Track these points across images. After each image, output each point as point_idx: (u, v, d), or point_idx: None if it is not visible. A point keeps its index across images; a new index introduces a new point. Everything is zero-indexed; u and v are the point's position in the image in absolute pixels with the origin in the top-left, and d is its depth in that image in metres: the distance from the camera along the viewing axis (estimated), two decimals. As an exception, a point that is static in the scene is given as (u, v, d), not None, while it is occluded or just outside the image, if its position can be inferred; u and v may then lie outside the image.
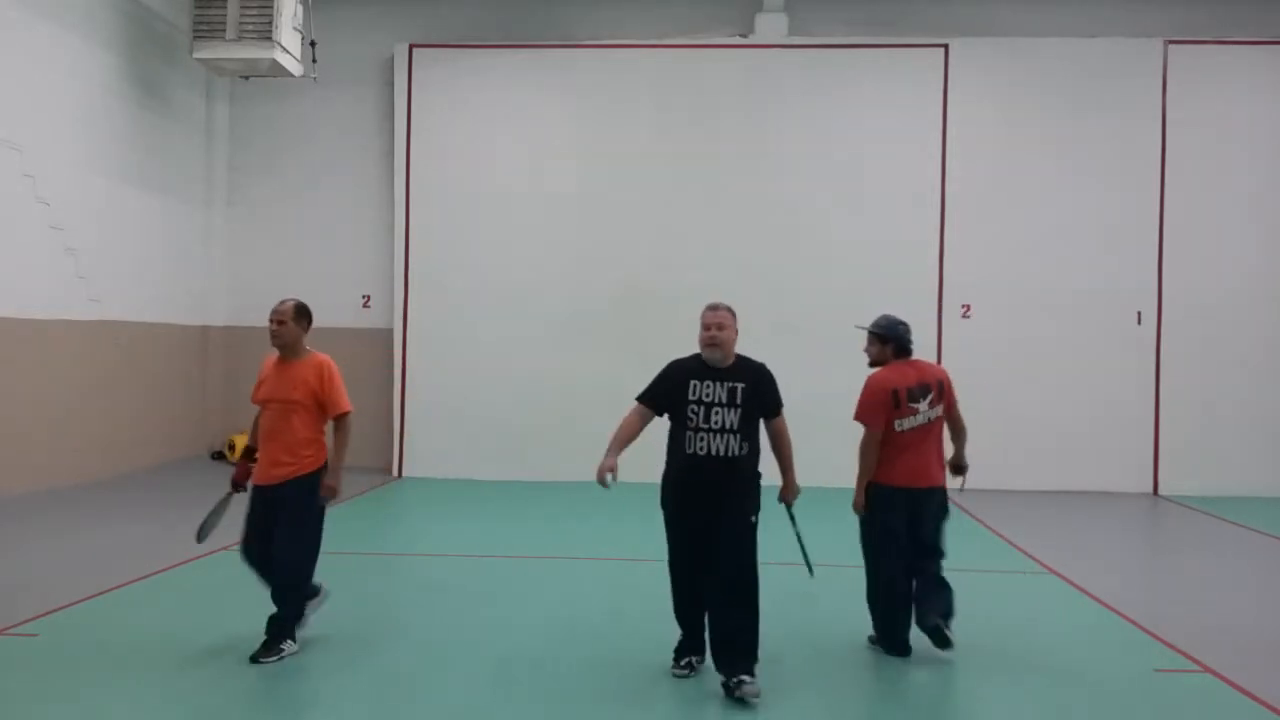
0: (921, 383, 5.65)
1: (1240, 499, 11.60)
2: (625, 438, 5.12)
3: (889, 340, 5.77)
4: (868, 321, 5.95)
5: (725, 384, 5.02)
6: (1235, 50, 12.35)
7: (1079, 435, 12.26)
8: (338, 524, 9.56)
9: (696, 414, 5.00)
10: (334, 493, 5.46)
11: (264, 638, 5.34)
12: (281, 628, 5.37)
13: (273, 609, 5.41)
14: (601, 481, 4.94)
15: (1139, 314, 12.34)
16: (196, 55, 11.21)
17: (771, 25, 12.64)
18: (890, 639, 5.63)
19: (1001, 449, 12.19)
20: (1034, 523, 10.10)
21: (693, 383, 5.04)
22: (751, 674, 4.82)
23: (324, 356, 5.57)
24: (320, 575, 7.45)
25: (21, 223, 9.94)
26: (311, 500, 5.44)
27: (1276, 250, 12.27)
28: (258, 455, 5.55)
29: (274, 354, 5.58)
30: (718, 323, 5.09)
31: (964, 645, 5.94)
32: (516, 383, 12.53)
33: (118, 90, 11.43)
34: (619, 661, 5.48)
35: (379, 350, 13.03)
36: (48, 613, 6.07)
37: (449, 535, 9.35)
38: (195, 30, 11.13)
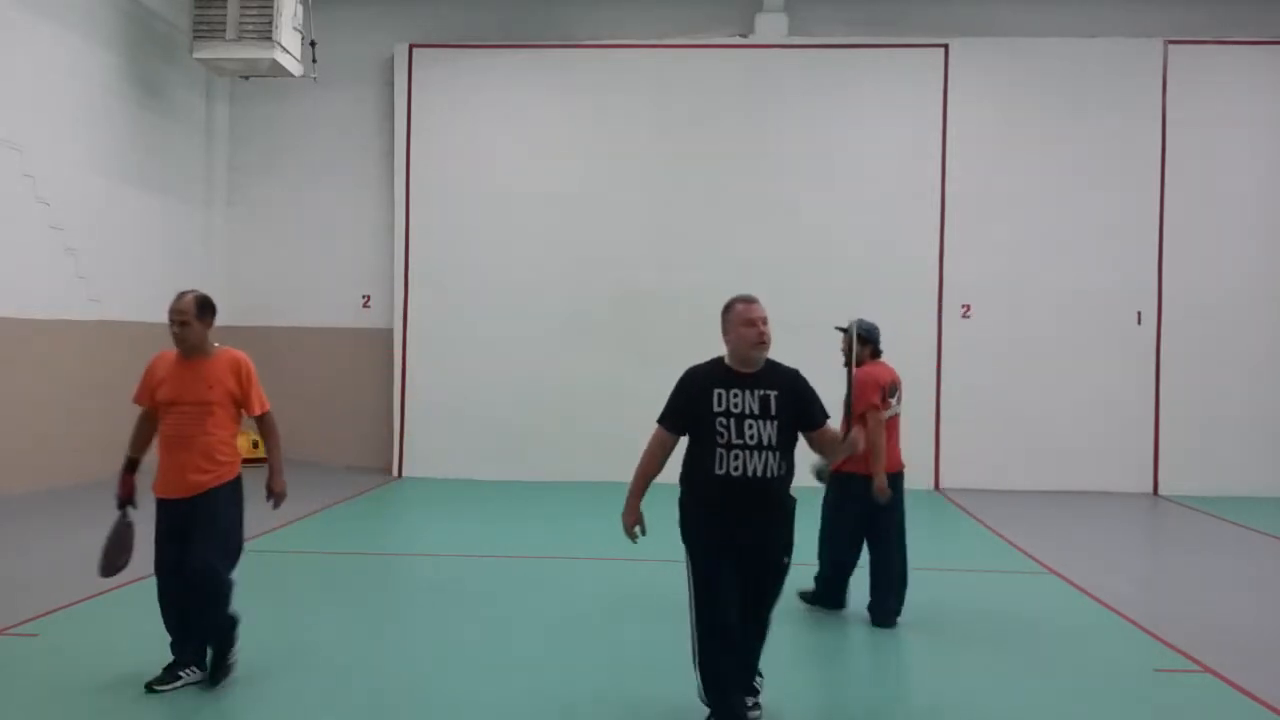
0: (893, 380, 6.22)
1: (1240, 499, 11.60)
2: (650, 474, 4.42)
3: (868, 342, 6.21)
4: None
5: (756, 392, 4.26)
6: (1235, 50, 12.35)
7: (1079, 435, 12.25)
8: (338, 524, 9.63)
9: (726, 428, 4.21)
10: (283, 497, 5.12)
11: (210, 656, 4.90)
12: (222, 638, 4.91)
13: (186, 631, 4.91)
14: (631, 537, 4.42)
15: (1139, 314, 12.34)
16: (196, 55, 11.21)
17: (771, 25, 12.64)
18: (838, 598, 6.30)
19: (1001, 449, 12.25)
20: (1034, 523, 10.10)
21: (717, 391, 4.26)
22: (755, 691, 4.55)
23: (238, 352, 5.08)
24: (321, 575, 7.48)
25: (21, 223, 9.93)
26: (234, 509, 4.98)
27: (1276, 250, 12.27)
28: (161, 465, 4.90)
29: (169, 350, 5.04)
30: (764, 317, 4.35)
31: (964, 645, 5.95)
32: (516, 383, 12.53)
33: (118, 90, 11.42)
34: (619, 663, 5.49)
35: (379, 350, 13.03)
36: (48, 613, 6.07)
37: (449, 535, 9.35)
38: (195, 30, 11.13)
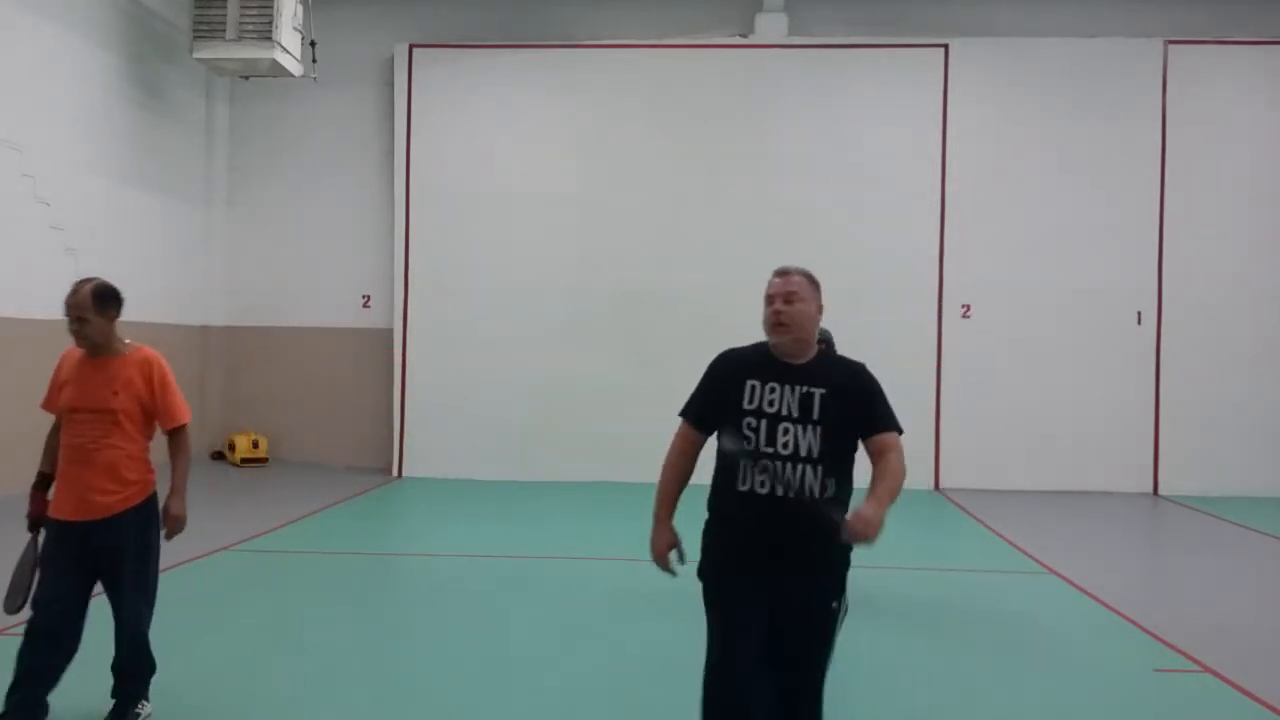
0: None
1: (1240, 499, 11.60)
2: (674, 481, 3.54)
3: (822, 341, 6.04)
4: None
5: (798, 388, 3.36)
6: (1235, 50, 12.35)
7: (1079, 435, 12.25)
8: (338, 524, 9.62)
9: (755, 430, 3.34)
10: (182, 524, 4.35)
11: (112, 703, 4.38)
12: (136, 687, 4.42)
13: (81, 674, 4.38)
14: (664, 567, 3.50)
15: (1139, 314, 12.34)
16: (196, 55, 11.21)
17: (771, 25, 12.64)
18: None
19: (1001, 449, 12.25)
20: (1034, 523, 10.10)
21: (750, 383, 3.39)
22: None
23: (150, 351, 4.36)
24: (321, 575, 7.48)
25: (21, 223, 9.93)
26: (151, 538, 4.33)
27: (1276, 250, 12.27)
28: (60, 480, 4.25)
29: (75, 348, 4.35)
30: (786, 292, 3.43)
31: (965, 645, 5.95)
32: (516, 383, 12.53)
33: (118, 90, 11.42)
34: (619, 663, 5.49)
35: (379, 350, 13.03)
36: (48, 613, 6.06)
37: (449, 535, 9.34)
38: (195, 30, 11.13)
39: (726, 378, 3.46)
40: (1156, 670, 5.51)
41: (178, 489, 4.36)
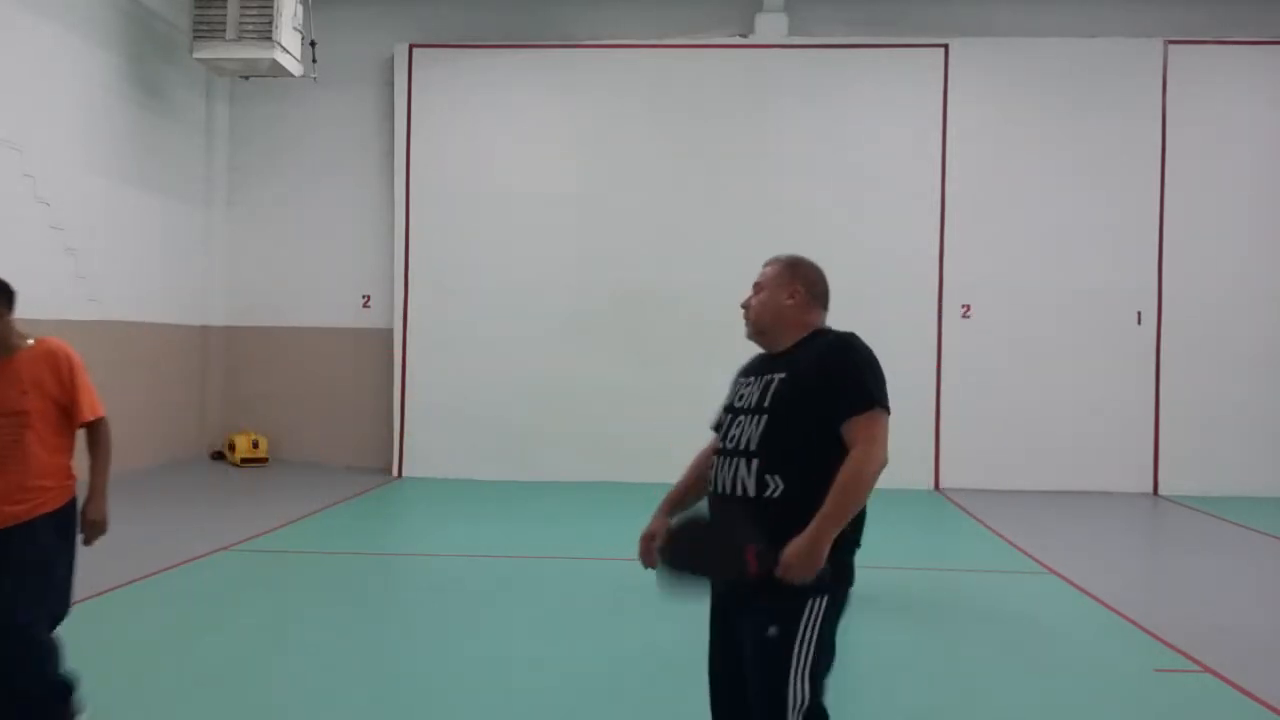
0: None
1: (1240, 499, 11.59)
2: (685, 480, 3.35)
3: None
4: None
5: (764, 377, 3.09)
6: (1235, 50, 12.34)
7: (1079, 435, 12.25)
8: (338, 524, 9.63)
9: (725, 427, 3.15)
10: (102, 527, 4.04)
11: None
12: (48, 713, 3.88)
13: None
14: (642, 556, 3.23)
15: (1139, 314, 12.34)
16: (196, 55, 11.21)
17: (771, 25, 12.63)
18: None
19: (1001, 449, 12.25)
20: (1034, 523, 10.10)
21: (738, 381, 3.24)
22: None
23: (56, 341, 4.14)
24: (321, 575, 7.48)
25: (21, 223, 9.93)
26: (60, 546, 3.94)
27: (1276, 250, 12.26)
28: None
29: None
30: (755, 284, 3.29)
31: (964, 644, 5.95)
32: (516, 383, 12.53)
33: (118, 90, 11.42)
34: (619, 664, 5.48)
35: (379, 350, 13.03)
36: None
37: (449, 535, 9.35)
38: (195, 30, 11.13)
39: (732, 381, 3.31)
40: (1156, 670, 5.51)
41: (97, 490, 4.04)
